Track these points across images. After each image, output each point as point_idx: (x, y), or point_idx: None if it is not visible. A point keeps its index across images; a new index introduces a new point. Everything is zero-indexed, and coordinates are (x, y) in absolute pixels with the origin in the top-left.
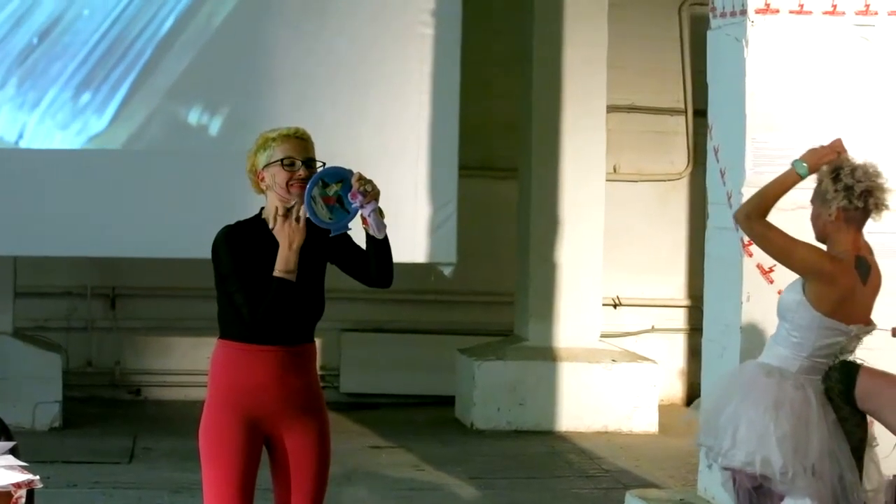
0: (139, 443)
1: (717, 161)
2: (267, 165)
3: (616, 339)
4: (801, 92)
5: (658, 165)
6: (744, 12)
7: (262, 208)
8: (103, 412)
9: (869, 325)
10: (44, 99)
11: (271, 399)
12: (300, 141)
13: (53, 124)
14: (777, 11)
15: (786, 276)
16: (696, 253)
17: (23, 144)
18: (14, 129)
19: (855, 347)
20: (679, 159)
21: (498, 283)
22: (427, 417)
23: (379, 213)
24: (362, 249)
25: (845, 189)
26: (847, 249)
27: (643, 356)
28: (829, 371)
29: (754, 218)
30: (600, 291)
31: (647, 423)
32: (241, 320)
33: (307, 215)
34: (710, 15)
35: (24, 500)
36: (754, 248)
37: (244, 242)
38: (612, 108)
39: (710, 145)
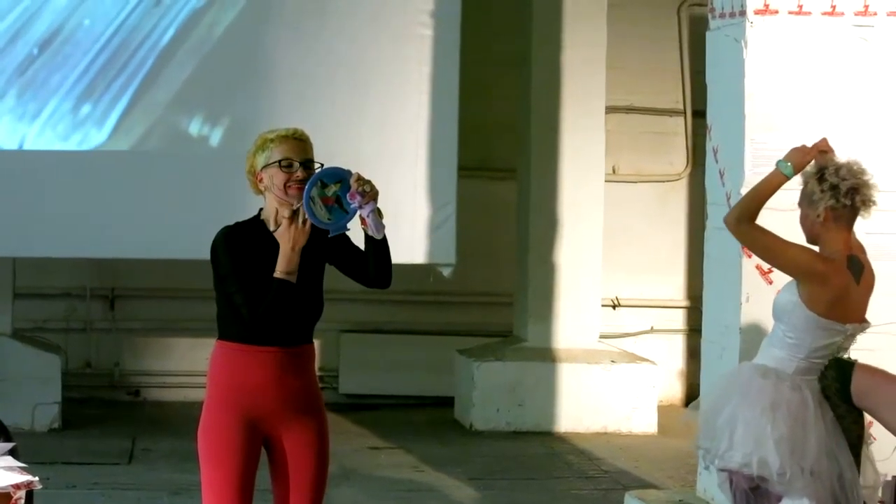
0: (138, 444)
1: (717, 162)
2: (265, 166)
3: (615, 339)
4: (801, 93)
5: (657, 166)
6: (743, 13)
7: (261, 209)
8: (102, 413)
9: (863, 323)
10: (44, 110)
11: (270, 400)
12: (298, 142)
13: (54, 136)
14: (776, 12)
15: (785, 277)
16: (695, 254)
17: None
18: (14, 140)
19: (850, 346)
20: (678, 160)
21: (497, 284)
22: (426, 418)
23: (378, 214)
24: (361, 250)
25: (831, 188)
26: (838, 249)
27: (642, 357)
28: (824, 370)
29: (744, 221)
30: (599, 292)
31: (646, 423)
32: (240, 321)
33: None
34: (710, 15)
35: (23, 501)
36: None
37: (243, 243)
38: (611, 109)
39: (709, 146)
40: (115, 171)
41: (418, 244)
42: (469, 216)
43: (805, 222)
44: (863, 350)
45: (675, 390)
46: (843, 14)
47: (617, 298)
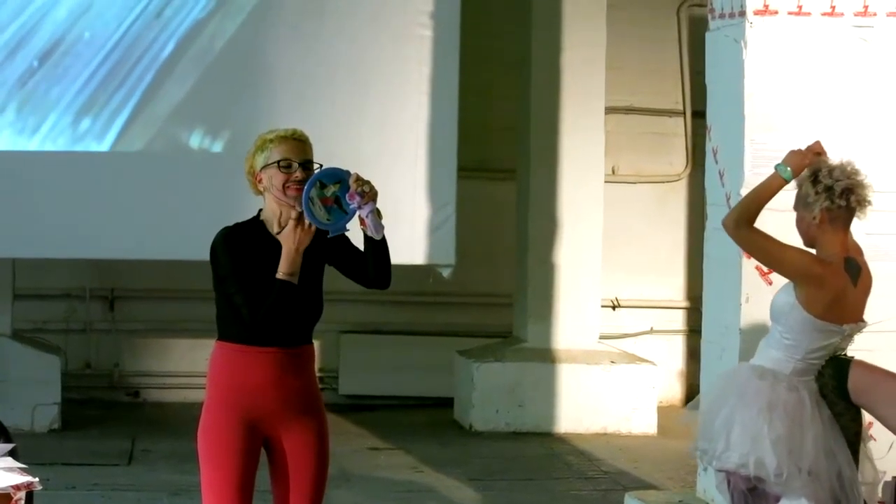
0: (138, 445)
1: (716, 162)
2: (264, 167)
3: (615, 340)
4: (800, 93)
5: (657, 166)
6: (742, 13)
7: (261, 210)
8: (102, 414)
9: (860, 323)
10: (44, 124)
11: (270, 400)
12: (297, 143)
13: (54, 149)
14: (776, 13)
15: (784, 278)
16: (694, 254)
17: None
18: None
19: (847, 346)
20: (678, 160)
21: (497, 285)
22: (426, 419)
23: (377, 214)
24: (360, 251)
25: (826, 190)
26: (835, 252)
27: (642, 357)
28: (821, 369)
29: (742, 225)
30: (599, 293)
31: (645, 424)
32: (239, 322)
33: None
34: (709, 16)
35: (23, 502)
36: None
37: (243, 244)
38: (610, 110)
39: (708, 146)
40: (116, 172)
41: (418, 245)
42: (469, 216)
43: (801, 225)
44: (861, 350)
45: (674, 391)
46: (842, 14)
47: (617, 299)
